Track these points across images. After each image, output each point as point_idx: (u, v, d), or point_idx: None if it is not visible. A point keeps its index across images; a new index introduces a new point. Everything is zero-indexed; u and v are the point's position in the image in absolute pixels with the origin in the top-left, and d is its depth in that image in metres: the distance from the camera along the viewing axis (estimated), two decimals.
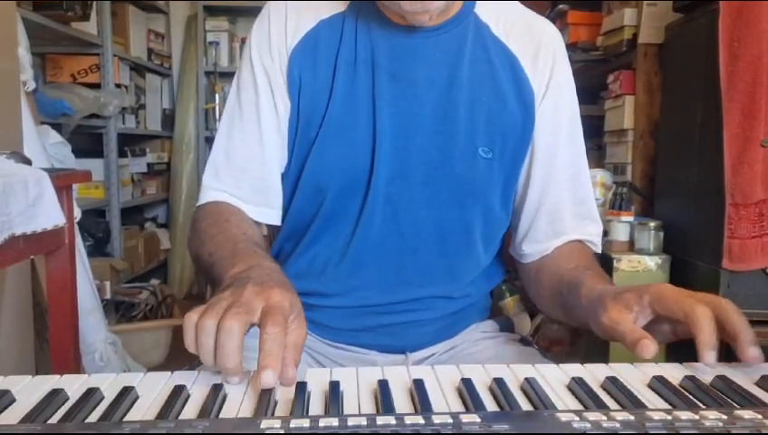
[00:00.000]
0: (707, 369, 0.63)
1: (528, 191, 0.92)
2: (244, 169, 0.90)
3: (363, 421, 0.46)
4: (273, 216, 0.92)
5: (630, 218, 2.03)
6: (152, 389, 0.57)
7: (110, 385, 0.58)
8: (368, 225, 0.87)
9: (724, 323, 0.64)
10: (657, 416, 0.48)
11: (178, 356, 2.58)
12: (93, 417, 0.52)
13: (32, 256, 1.56)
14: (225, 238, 0.82)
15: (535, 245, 0.93)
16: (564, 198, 0.92)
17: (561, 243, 0.92)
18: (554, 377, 0.61)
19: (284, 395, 0.56)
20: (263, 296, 0.62)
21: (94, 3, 2.66)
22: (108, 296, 2.59)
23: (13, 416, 0.52)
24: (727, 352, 0.65)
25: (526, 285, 0.98)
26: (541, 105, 0.89)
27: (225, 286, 0.66)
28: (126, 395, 0.54)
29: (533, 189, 0.92)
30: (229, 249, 0.78)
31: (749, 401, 0.54)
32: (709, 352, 0.62)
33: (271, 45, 0.89)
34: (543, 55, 0.89)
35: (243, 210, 0.90)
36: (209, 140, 3.70)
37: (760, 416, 0.48)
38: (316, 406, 0.54)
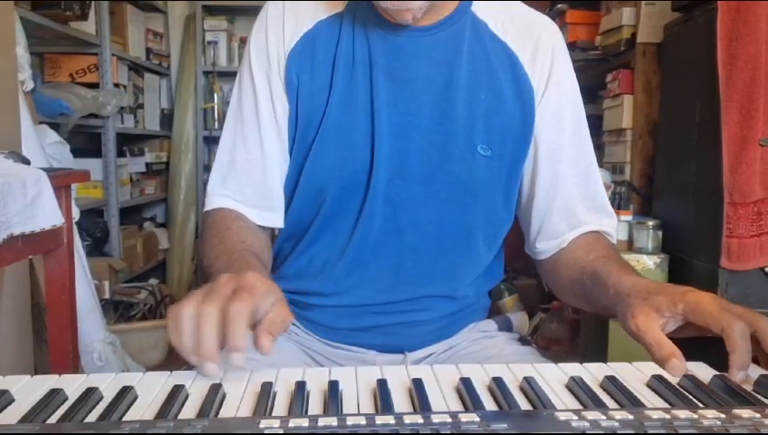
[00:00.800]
0: (705, 367, 0.64)
1: (536, 189, 0.92)
2: (247, 174, 0.90)
3: (362, 421, 0.46)
4: (276, 219, 0.92)
5: (629, 218, 2.03)
6: (151, 388, 0.57)
7: (108, 385, 0.58)
8: (367, 224, 0.87)
9: (761, 340, 0.63)
10: (655, 415, 0.48)
11: (177, 356, 2.56)
12: (92, 417, 0.52)
13: (30, 256, 1.56)
14: (224, 249, 0.83)
15: (551, 241, 0.93)
16: (575, 194, 0.92)
17: (577, 235, 0.92)
18: (553, 376, 0.61)
19: (283, 394, 0.56)
20: (235, 279, 0.62)
21: (92, 2, 2.65)
22: (106, 296, 2.59)
23: (11, 416, 0.52)
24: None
25: (544, 277, 0.99)
26: (541, 102, 0.89)
27: None
28: (125, 395, 0.54)
29: (541, 187, 0.92)
30: (224, 260, 0.80)
31: (747, 400, 0.54)
32: (740, 373, 0.60)
33: (269, 48, 0.89)
34: (542, 52, 0.89)
35: (246, 216, 0.90)
36: (208, 140, 3.69)
37: (758, 415, 0.48)
38: (315, 405, 0.54)
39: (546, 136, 0.90)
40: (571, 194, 0.92)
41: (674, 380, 0.60)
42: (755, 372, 0.62)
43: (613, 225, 0.94)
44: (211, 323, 0.58)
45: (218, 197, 0.92)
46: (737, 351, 0.61)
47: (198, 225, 3.71)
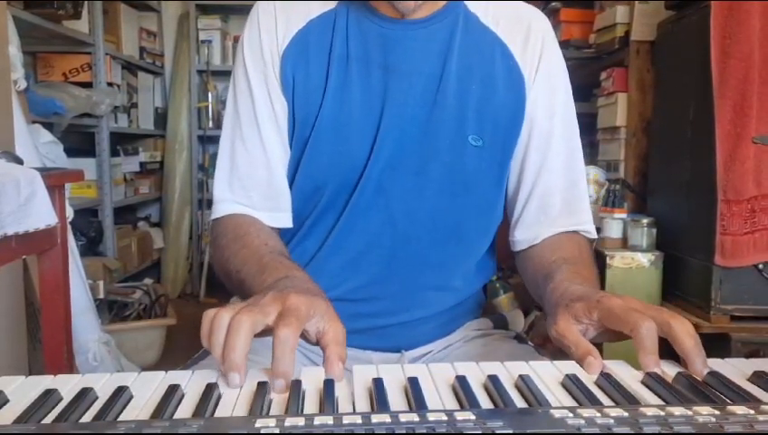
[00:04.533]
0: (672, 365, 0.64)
1: (523, 176, 0.92)
2: (251, 177, 0.90)
3: (358, 420, 0.46)
4: (284, 219, 0.92)
5: (623, 215, 2.04)
6: (146, 388, 0.57)
7: (103, 385, 0.58)
8: (360, 215, 0.88)
9: (673, 344, 0.62)
10: (650, 412, 0.48)
11: (172, 356, 2.57)
12: (87, 417, 0.52)
13: (24, 256, 1.56)
14: (249, 253, 0.82)
15: (525, 231, 0.93)
16: (556, 182, 0.92)
17: (550, 234, 0.92)
18: (548, 374, 0.61)
19: (279, 394, 0.56)
20: (279, 300, 0.63)
21: (86, 1, 2.64)
22: (101, 296, 2.57)
23: (6, 416, 0.52)
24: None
25: (520, 272, 0.99)
26: (532, 90, 0.90)
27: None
28: (120, 395, 0.54)
29: (528, 174, 0.92)
30: (255, 264, 0.79)
31: (741, 396, 0.55)
32: (654, 371, 0.60)
33: (262, 48, 0.89)
34: (533, 41, 0.90)
35: (257, 219, 0.90)
36: (202, 139, 3.68)
37: (752, 411, 0.48)
38: (311, 404, 0.54)
39: (537, 124, 0.91)
40: (553, 181, 0.92)
41: (668, 377, 0.60)
42: (748, 368, 0.62)
43: (588, 219, 0.94)
44: (242, 333, 0.58)
45: (226, 203, 0.91)
46: (642, 350, 0.62)
47: (193, 224, 3.71)
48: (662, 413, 0.48)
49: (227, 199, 0.91)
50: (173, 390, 0.55)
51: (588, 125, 2.42)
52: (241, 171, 0.90)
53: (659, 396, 0.56)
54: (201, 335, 0.61)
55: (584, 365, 0.63)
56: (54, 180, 1.34)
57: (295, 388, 0.55)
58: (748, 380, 0.60)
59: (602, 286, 0.99)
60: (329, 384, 0.56)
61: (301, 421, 0.46)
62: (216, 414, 0.52)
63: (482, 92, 0.88)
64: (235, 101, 0.91)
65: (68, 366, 1.40)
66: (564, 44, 2.50)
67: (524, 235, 0.93)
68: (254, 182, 0.90)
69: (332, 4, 0.89)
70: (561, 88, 0.92)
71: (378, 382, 0.56)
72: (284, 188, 0.91)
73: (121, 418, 0.52)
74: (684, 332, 0.62)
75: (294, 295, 0.63)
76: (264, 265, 0.78)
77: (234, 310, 0.60)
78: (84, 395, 0.54)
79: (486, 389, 0.57)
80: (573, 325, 0.69)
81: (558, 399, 0.56)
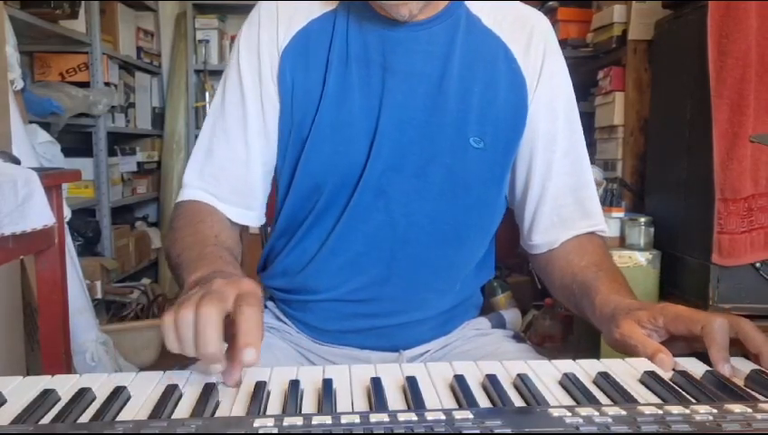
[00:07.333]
0: (697, 363, 0.64)
1: (531, 180, 0.93)
2: (225, 169, 0.90)
3: (356, 419, 0.46)
4: (251, 217, 0.92)
5: (621, 214, 2.04)
6: (144, 388, 0.57)
7: (101, 385, 0.58)
8: (360, 217, 0.88)
9: (744, 341, 0.65)
10: (648, 410, 0.48)
11: (170, 356, 2.56)
12: (85, 417, 0.52)
13: (21, 257, 1.55)
14: (195, 240, 0.82)
15: (542, 234, 0.94)
16: (566, 184, 0.92)
17: (569, 236, 0.92)
18: (546, 373, 0.61)
19: (277, 393, 0.56)
20: (233, 285, 0.61)
21: (82, 1, 2.64)
22: (99, 296, 2.57)
23: (4, 417, 0.52)
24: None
25: (538, 274, 1.00)
26: (536, 93, 0.90)
27: (189, 289, 0.66)
28: (118, 395, 0.54)
29: (536, 178, 0.92)
30: (197, 252, 0.79)
31: (739, 394, 0.55)
32: (723, 367, 0.62)
33: (260, 47, 0.89)
34: (535, 44, 0.90)
35: (220, 211, 0.90)
36: None
37: (750, 410, 0.49)
38: (309, 404, 0.54)
39: (541, 127, 0.91)
40: (563, 184, 0.92)
41: (666, 375, 0.60)
42: (747, 366, 0.63)
43: (602, 220, 0.95)
44: (212, 325, 0.56)
45: (194, 189, 0.91)
46: (715, 345, 0.63)
47: None
48: (660, 412, 0.48)
49: (194, 186, 0.91)
50: (171, 390, 0.55)
51: (585, 124, 2.42)
52: (216, 162, 0.90)
53: (657, 395, 0.56)
54: (169, 343, 0.58)
55: (656, 361, 0.64)
56: (51, 180, 1.33)
57: (293, 387, 0.55)
58: (746, 378, 0.60)
59: None
60: (327, 384, 0.56)
61: (299, 421, 0.46)
62: (215, 414, 0.53)
63: (483, 94, 0.88)
64: (223, 96, 0.91)
65: (66, 366, 1.40)
66: (561, 43, 2.49)
67: (542, 239, 0.94)
68: (227, 174, 0.90)
69: (333, 5, 0.89)
70: (564, 91, 0.93)
71: (376, 382, 0.56)
72: (258, 189, 0.91)
73: (119, 418, 0.52)
74: (754, 329, 0.65)
75: (248, 281, 0.63)
76: (204, 254, 0.78)
77: (192, 305, 0.58)
78: (82, 395, 0.54)
79: (485, 388, 0.57)
80: (637, 328, 0.71)
81: (556, 398, 0.56)
